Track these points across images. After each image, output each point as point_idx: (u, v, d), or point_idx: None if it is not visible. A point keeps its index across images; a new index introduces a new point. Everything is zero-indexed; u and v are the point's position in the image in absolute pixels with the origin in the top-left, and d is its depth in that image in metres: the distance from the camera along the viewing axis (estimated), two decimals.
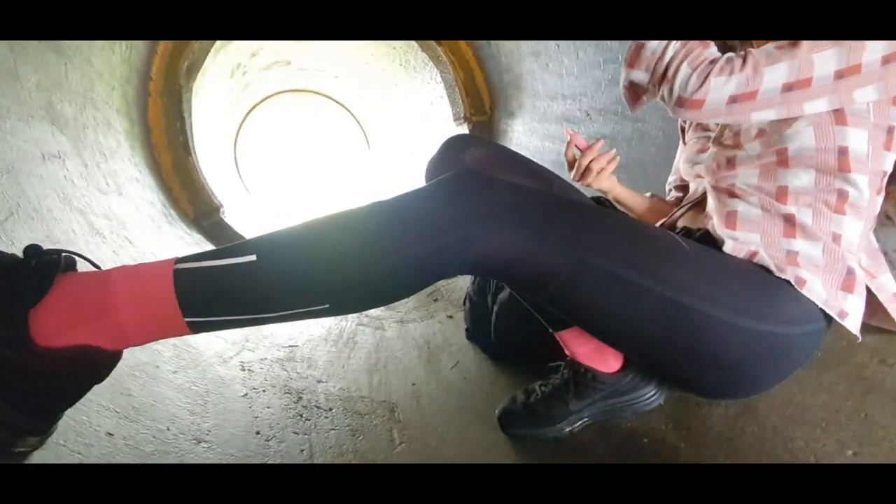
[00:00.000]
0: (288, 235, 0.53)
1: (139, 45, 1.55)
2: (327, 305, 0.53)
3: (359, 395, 0.96)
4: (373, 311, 1.50)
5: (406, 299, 1.52)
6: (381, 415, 0.89)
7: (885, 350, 0.69)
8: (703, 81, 0.60)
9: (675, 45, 0.63)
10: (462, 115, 2.25)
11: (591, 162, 0.90)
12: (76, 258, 0.50)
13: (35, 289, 0.45)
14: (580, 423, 0.79)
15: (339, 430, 0.81)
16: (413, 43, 2.30)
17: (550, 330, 0.79)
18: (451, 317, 1.32)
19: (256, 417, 0.80)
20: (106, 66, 1.33)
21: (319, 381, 0.98)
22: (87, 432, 0.54)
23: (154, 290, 0.47)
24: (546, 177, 0.78)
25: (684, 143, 0.91)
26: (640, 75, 0.68)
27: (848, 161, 0.61)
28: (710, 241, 0.70)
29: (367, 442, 0.79)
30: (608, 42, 1.42)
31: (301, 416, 0.83)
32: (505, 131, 2.16)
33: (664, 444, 0.74)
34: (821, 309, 0.59)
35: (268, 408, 0.83)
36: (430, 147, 0.83)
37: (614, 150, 0.91)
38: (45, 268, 0.46)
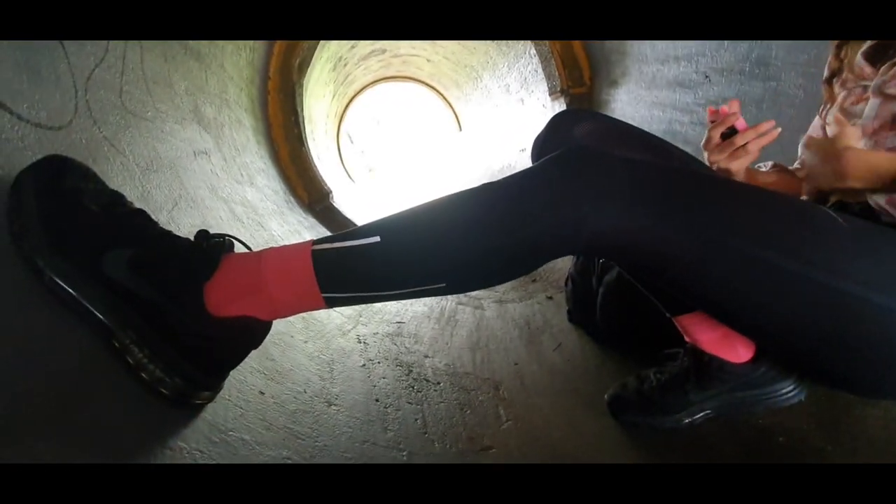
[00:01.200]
0: (408, 217, 0.56)
1: (259, 48, 1.71)
2: (444, 284, 0.55)
3: (463, 371, 0.99)
4: (473, 293, 1.53)
5: None
6: (486, 391, 0.91)
7: None
8: None
9: None
10: (559, 89, 2.15)
11: (749, 143, 0.73)
12: (234, 241, 0.58)
13: (207, 267, 0.53)
14: (701, 414, 0.74)
15: (448, 403, 0.85)
16: None
17: (668, 315, 0.74)
18: (550, 298, 1.30)
19: (375, 386, 0.87)
20: (235, 69, 1.49)
21: (426, 357, 1.03)
22: (245, 389, 0.64)
23: (297, 269, 0.53)
24: (665, 149, 0.73)
25: (829, 97, 0.77)
26: None
27: None
28: (872, 216, 0.60)
29: (475, 416, 0.82)
30: None
31: (413, 387, 0.88)
32: (607, 102, 2.02)
33: (806, 444, 0.67)
34: None
35: (383, 378, 0.90)
36: (526, 126, 0.80)
37: (775, 127, 0.73)
38: (213, 249, 0.54)
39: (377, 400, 0.82)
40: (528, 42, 2.25)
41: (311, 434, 0.64)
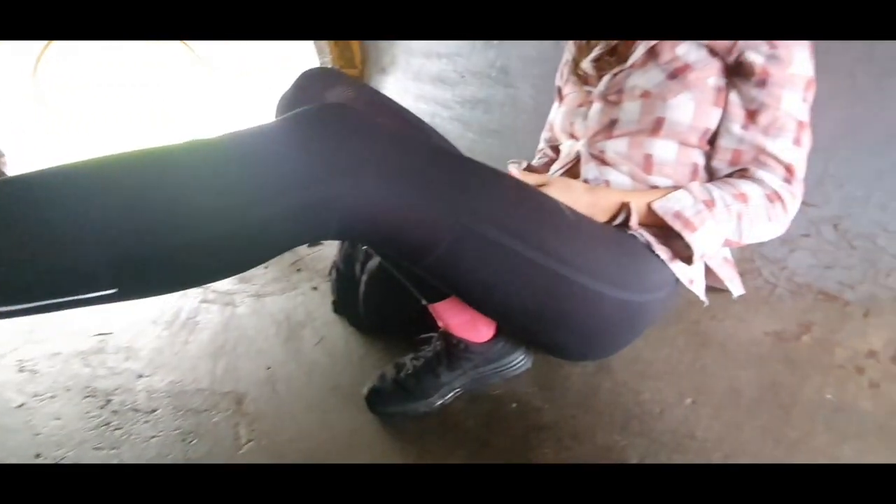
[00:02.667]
0: (59, 175, 0.36)
1: None
2: (115, 290, 0.38)
3: (195, 387, 0.79)
4: (221, 285, 1.28)
5: (264, 269, 1.33)
6: (224, 409, 0.74)
7: (715, 307, 0.78)
8: (785, 212, 0.63)
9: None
10: (329, 65, 2.03)
11: None
12: None
13: None
14: (451, 394, 0.76)
15: (166, 436, 0.65)
16: None
17: (424, 302, 0.73)
18: (315, 288, 1.19)
19: (38, 435, 0.60)
20: None
21: (140, 377, 0.78)
22: None
23: None
24: (424, 130, 0.70)
25: (560, 100, 0.89)
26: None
27: (705, 140, 0.65)
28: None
29: (203, 445, 0.65)
30: None
31: (108, 425, 0.64)
32: (376, 88, 2.01)
33: (530, 406, 0.75)
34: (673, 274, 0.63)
35: (56, 420, 0.63)
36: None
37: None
38: None
39: (38, 455, 0.56)
40: None
41: None
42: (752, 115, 0.62)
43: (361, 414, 0.75)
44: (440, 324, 0.76)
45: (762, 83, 0.60)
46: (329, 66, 2.04)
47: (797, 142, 0.62)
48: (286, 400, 0.80)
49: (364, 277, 0.97)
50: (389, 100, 0.71)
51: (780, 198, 0.62)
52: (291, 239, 0.46)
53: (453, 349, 0.73)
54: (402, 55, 1.82)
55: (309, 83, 0.64)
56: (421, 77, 1.73)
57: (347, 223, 0.45)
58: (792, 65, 0.60)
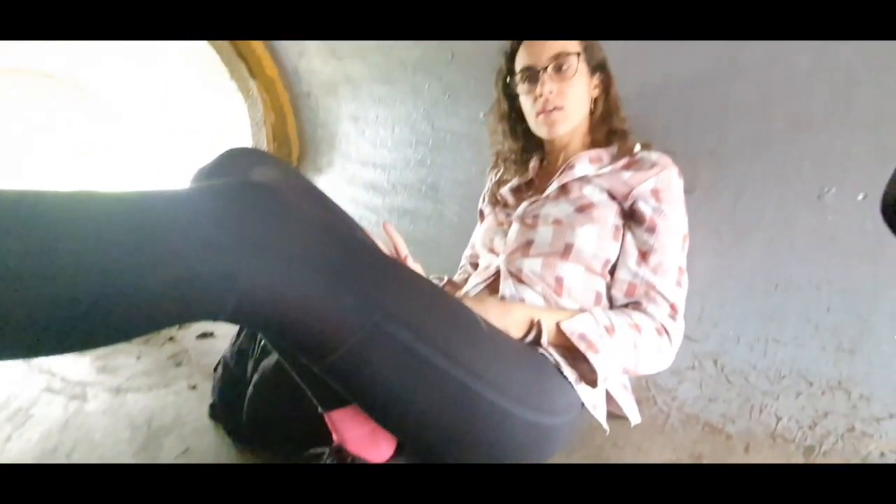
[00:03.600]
0: None
1: None
2: None
3: None
4: (73, 373, 1.06)
5: (136, 359, 1.13)
6: None
7: (616, 434, 0.78)
8: (671, 346, 0.68)
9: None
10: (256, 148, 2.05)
11: None
12: None
13: None
14: None
15: None
16: (223, 69, 2.05)
17: (321, 409, 0.65)
18: (194, 387, 1.02)
19: None
20: None
21: None
22: None
23: None
24: (348, 223, 0.69)
25: (482, 221, 0.96)
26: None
27: (606, 270, 0.72)
28: None
29: None
30: (422, 126, 1.51)
31: None
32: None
33: None
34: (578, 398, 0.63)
35: None
36: None
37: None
38: None
39: None
40: (243, 103, 2.10)
41: None
42: (643, 255, 0.71)
43: None
44: (335, 437, 0.67)
45: (651, 230, 0.70)
46: None
47: (678, 284, 0.71)
48: None
49: (255, 377, 0.86)
50: (316, 188, 0.70)
51: (666, 332, 0.69)
52: (180, 311, 0.40)
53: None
54: (339, 159, 1.90)
55: (233, 159, 0.62)
56: (355, 182, 1.80)
57: (247, 303, 0.41)
58: (672, 218, 0.71)
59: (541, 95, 0.76)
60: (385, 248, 0.69)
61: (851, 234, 0.77)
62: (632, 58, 1.00)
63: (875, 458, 0.72)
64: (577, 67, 0.76)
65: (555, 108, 0.77)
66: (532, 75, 0.78)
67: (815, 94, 0.81)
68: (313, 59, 1.83)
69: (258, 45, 1.96)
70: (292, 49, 1.89)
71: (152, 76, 2.46)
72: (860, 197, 0.77)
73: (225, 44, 1.93)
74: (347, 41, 1.63)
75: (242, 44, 1.96)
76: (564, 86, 0.76)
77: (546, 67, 0.76)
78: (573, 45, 0.77)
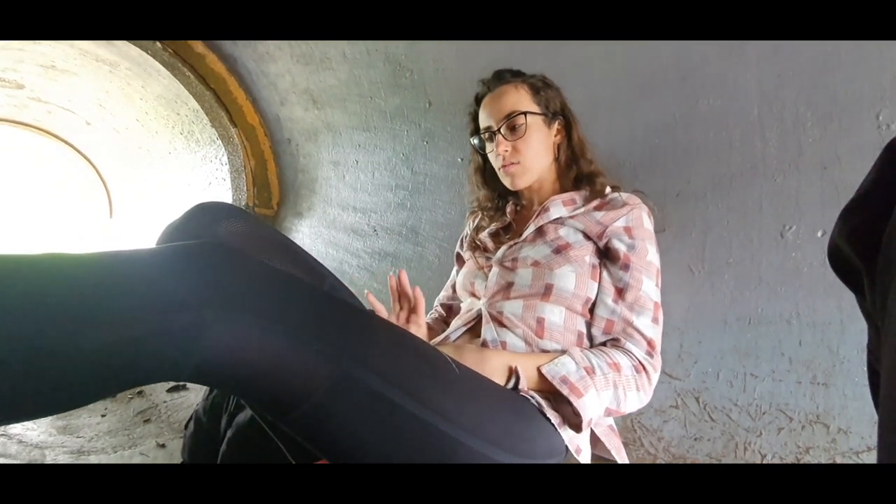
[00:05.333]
0: None
1: None
2: None
3: None
4: (34, 435, 0.99)
5: (100, 417, 1.07)
6: None
7: None
8: (650, 383, 0.70)
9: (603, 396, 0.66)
10: (244, 204, 2.05)
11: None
12: None
13: None
14: None
15: None
16: (204, 116, 2.09)
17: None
18: (163, 446, 0.97)
19: None
20: None
21: None
22: None
23: None
24: (318, 272, 0.69)
25: (460, 266, 0.97)
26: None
27: (587, 309, 0.73)
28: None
29: None
30: (401, 170, 1.54)
31: None
32: (290, 230, 2.04)
33: None
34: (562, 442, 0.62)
35: None
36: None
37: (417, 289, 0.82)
38: None
39: None
40: (222, 149, 2.12)
41: None
42: (619, 292, 0.72)
43: None
44: None
45: (626, 266, 0.72)
46: (241, 203, 2.06)
47: (655, 320, 0.72)
48: None
49: (229, 433, 0.82)
50: (286, 238, 0.71)
51: (644, 369, 0.69)
52: (143, 371, 0.38)
53: None
54: (320, 203, 1.91)
55: (199, 215, 0.63)
56: (336, 225, 1.81)
57: (211, 360, 0.40)
58: (645, 255, 0.73)
59: (499, 154, 0.81)
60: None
61: (814, 269, 0.81)
62: (601, 105, 1.06)
63: None
64: (528, 124, 0.80)
65: (511, 164, 0.81)
66: (490, 135, 0.84)
67: (768, 139, 0.86)
68: (294, 107, 1.88)
69: (240, 94, 2.01)
70: (273, 98, 1.94)
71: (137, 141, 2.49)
72: (819, 234, 0.81)
73: (207, 93, 1.97)
74: (326, 91, 1.68)
75: (224, 92, 2.01)
76: (519, 143, 0.81)
77: (499, 128, 0.80)
78: (524, 102, 0.82)
